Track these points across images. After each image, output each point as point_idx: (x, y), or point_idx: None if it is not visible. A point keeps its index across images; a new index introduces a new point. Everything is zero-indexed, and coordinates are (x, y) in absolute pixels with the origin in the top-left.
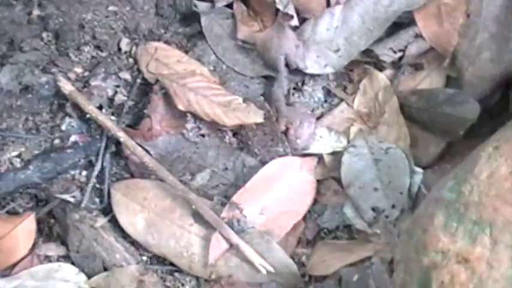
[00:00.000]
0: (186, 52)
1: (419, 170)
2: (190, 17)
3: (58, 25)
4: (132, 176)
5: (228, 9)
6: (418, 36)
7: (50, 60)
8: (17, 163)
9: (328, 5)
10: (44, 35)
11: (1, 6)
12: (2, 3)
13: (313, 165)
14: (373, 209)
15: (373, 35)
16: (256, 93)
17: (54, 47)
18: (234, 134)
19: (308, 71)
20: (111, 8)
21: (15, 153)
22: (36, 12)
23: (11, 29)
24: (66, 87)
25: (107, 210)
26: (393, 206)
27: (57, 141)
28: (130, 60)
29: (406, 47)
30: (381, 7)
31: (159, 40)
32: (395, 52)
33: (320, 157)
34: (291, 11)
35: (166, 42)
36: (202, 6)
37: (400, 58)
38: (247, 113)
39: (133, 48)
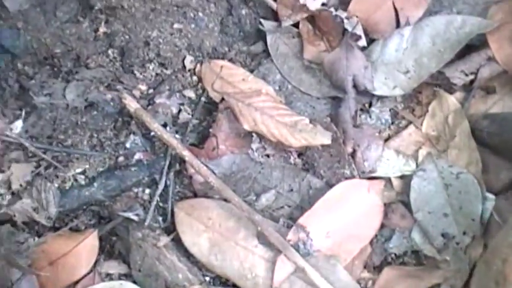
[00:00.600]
0: (251, 71)
1: (491, 196)
2: (255, 36)
3: (124, 42)
4: (196, 195)
5: (294, 29)
6: (491, 59)
7: (115, 77)
8: (81, 180)
9: (398, 25)
10: (110, 51)
11: (68, 22)
12: (70, 20)
13: (381, 188)
14: (443, 235)
15: (444, 58)
16: (322, 114)
17: (119, 64)
18: (299, 155)
19: (376, 92)
20: (176, 25)
21: (79, 170)
22: (102, 29)
23: (77, 46)
24: (132, 104)
25: (170, 229)
26: (464, 233)
27: (121, 158)
28: (195, 78)
29: (478, 69)
30: (452, 29)
31: (223, 58)
32: (466, 75)
33: (387, 180)
34: (359, 31)
35: (231, 60)
36: (268, 25)
37: (472, 81)
38: (314, 134)
39: (198, 66)
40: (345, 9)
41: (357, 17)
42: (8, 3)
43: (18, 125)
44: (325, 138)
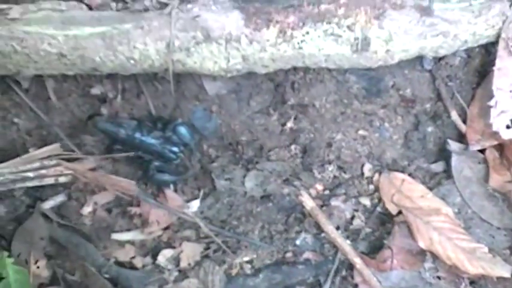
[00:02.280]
0: (430, 189)
1: None
2: (437, 154)
3: (308, 140)
4: None
5: (480, 154)
6: None
7: (294, 173)
8: (247, 269)
9: None
10: (293, 147)
11: (259, 113)
12: (261, 111)
13: None
14: None
15: None
16: (501, 245)
17: (300, 161)
18: (471, 283)
19: None
20: (360, 132)
21: (247, 259)
22: (290, 124)
23: (262, 137)
24: (308, 202)
25: None
26: None
27: (289, 254)
28: (371, 186)
29: None
30: None
31: (402, 172)
32: None
33: None
34: None
35: (410, 175)
36: (455, 146)
37: None
38: (493, 264)
39: (376, 175)
40: None
41: None
42: (207, 86)
43: (195, 205)
44: (504, 271)
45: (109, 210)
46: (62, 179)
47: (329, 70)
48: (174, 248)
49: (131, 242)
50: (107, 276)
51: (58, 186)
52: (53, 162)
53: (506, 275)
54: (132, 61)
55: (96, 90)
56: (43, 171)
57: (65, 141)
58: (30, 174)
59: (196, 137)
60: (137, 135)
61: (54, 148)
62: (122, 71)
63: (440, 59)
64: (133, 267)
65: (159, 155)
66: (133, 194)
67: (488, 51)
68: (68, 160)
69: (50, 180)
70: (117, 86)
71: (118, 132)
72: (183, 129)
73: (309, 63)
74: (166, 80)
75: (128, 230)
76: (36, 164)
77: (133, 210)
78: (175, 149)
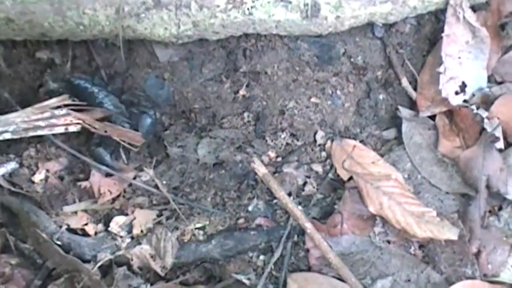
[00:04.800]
0: (381, 155)
1: None
2: (388, 122)
3: (260, 108)
4: (309, 269)
5: (430, 121)
6: None
7: (247, 140)
8: (200, 235)
9: None
10: (245, 115)
11: (212, 80)
12: (213, 78)
13: None
14: None
15: None
16: (450, 210)
17: (252, 128)
18: (420, 247)
19: (509, 196)
20: (313, 99)
21: (199, 225)
22: (242, 92)
23: (215, 104)
24: (260, 169)
25: None
26: None
27: (241, 220)
28: (323, 153)
29: None
30: None
31: (354, 139)
32: None
33: (510, 287)
34: (499, 133)
35: (362, 141)
36: (405, 113)
37: None
38: (441, 227)
39: (328, 142)
40: (487, 109)
41: (498, 118)
42: (159, 54)
43: (147, 172)
44: (451, 234)
45: (61, 178)
46: (71, 128)
47: (280, 37)
48: (126, 215)
49: (83, 210)
50: (59, 243)
51: (9, 154)
52: (63, 112)
53: (454, 237)
54: (81, 27)
55: (45, 56)
56: (53, 120)
57: (15, 109)
58: (42, 124)
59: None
60: (96, 91)
61: (63, 98)
62: (72, 37)
63: (390, 26)
64: (85, 234)
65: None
66: (139, 144)
67: (438, 18)
68: (78, 110)
69: (60, 129)
70: (67, 52)
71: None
72: (148, 122)
73: (259, 29)
74: (118, 47)
75: (80, 199)
76: (47, 114)
77: (84, 184)
78: (126, 126)
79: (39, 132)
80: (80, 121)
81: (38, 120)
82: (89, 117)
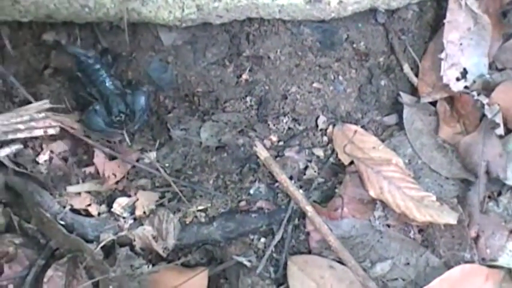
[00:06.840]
0: (382, 140)
1: None
2: (390, 107)
3: (263, 92)
4: (309, 252)
5: (431, 107)
6: None
7: (249, 124)
8: (202, 218)
9: None
10: (248, 99)
11: (215, 64)
12: (217, 62)
13: (500, 278)
14: None
15: None
16: (449, 194)
17: (255, 113)
18: (420, 231)
19: (507, 182)
20: (315, 84)
21: (201, 208)
22: (245, 76)
23: (218, 88)
24: (262, 153)
25: (280, 281)
26: None
27: (243, 203)
28: (325, 138)
29: None
30: None
31: (356, 124)
32: None
33: (507, 271)
34: (499, 119)
35: (363, 127)
36: (406, 98)
37: None
38: (440, 212)
39: (330, 127)
40: (487, 96)
41: (498, 105)
42: (163, 37)
43: (150, 154)
44: (451, 218)
45: (65, 159)
46: (50, 131)
47: (283, 22)
48: (129, 196)
49: (87, 191)
50: (62, 223)
51: None
52: (42, 115)
53: (453, 222)
54: (87, 9)
55: (51, 38)
56: (33, 123)
57: (20, 91)
58: (21, 127)
59: (150, 88)
60: (98, 68)
61: (44, 103)
62: (77, 19)
63: (393, 12)
64: (88, 215)
65: (106, 101)
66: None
67: (440, 4)
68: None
69: (40, 132)
70: (73, 35)
71: (86, 55)
72: (142, 99)
73: (263, 13)
74: (123, 30)
75: (84, 180)
76: (27, 117)
77: (88, 170)
78: (122, 106)
79: (19, 135)
80: (59, 123)
81: (17, 123)
82: (68, 119)
